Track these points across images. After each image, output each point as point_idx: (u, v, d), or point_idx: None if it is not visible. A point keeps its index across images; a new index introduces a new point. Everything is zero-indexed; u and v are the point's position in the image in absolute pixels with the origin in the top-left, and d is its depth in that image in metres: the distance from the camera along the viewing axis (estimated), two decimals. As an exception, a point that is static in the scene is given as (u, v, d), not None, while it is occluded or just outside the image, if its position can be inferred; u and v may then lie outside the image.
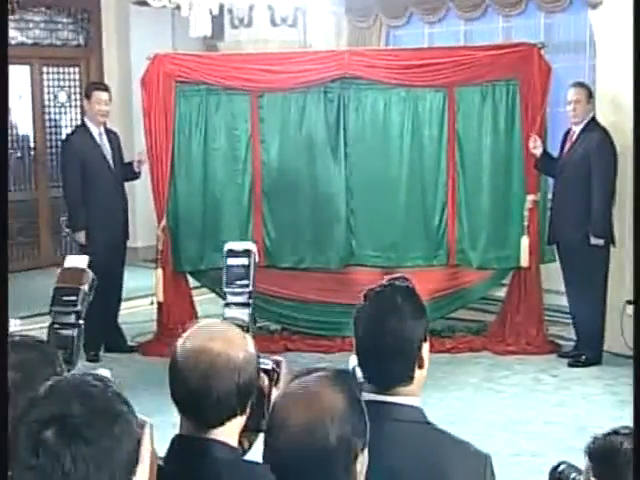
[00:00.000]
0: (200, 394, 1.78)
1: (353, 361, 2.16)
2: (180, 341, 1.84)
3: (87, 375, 1.27)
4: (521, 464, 4.63)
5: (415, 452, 1.96)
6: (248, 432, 1.94)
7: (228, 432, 1.83)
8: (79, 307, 2.06)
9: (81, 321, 2.08)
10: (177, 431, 1.77)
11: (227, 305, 2.52)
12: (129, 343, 6.76)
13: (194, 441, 1.82)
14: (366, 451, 1.67)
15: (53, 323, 2.10)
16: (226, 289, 2.56)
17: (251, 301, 2.51)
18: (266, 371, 1.97)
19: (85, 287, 2.07)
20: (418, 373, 2.00)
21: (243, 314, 2.39)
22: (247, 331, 2.20)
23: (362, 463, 1.66)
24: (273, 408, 1.67)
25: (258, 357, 1.90)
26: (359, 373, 2.11)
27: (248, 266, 2.58)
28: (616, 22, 6.30)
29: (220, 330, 1.87)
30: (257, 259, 2.68)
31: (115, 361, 6.28)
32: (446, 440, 2.00)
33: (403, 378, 1.98)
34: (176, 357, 1.82)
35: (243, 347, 1.84)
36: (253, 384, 1.85)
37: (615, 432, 2.04)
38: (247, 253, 2.62)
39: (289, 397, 1.63)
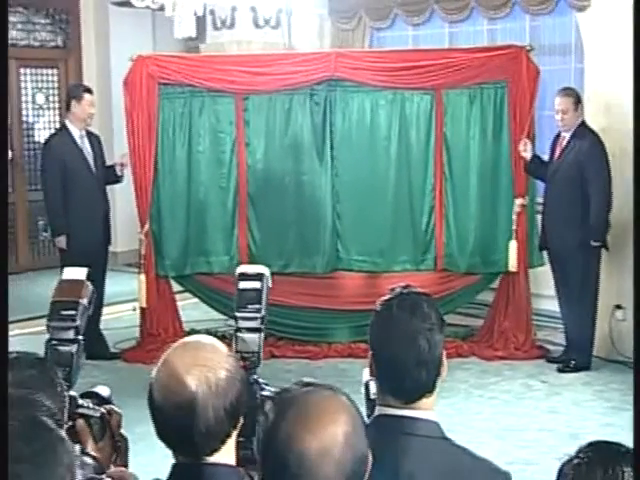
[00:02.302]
0: (187, 431, 1.66)
1: (366, 375, 2.07)
2: (155, 373, 1.71)
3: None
4: (515, 473, 4.53)
5: (434, 469, 1.88)
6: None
7: (226, 452, 1.74)
8: (78, 322, 1.94)
9: (80, 337, 1.96)
10: (160, 442, 1.67)
11: (238, 330, 2.41)
12: (111, 350, 6.62)
13: (196, 468, 1.71)
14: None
15: (51, 339, 1.98)
16: (237, 313, 2.45)
17: (263, 326, 2.39)
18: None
19: (84, 301, 1.95)
20: (438, 381, 1.93)
21: (254, 340, 2.28)
22: (258, 359, 2.09)
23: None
24: (271, 430, 1.47)
25: (246, 369, 1.80)
26: (373, 388, 2.02)
27: (260, 290, 2.48)
28: (604, 24, 6.27)
29: (195, 353, 1.72)
30: (270, 284, 2.57)
31: (97, 368, 6.14)
32: (465, 457, 1.93)
33: (430, 387, 1.91)
34: (153, 394, 1.70)
35: (223, 366, 1.71)
36: (241, 400, 1.73)
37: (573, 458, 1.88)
38: (259, 277, 2.52)
39: (292, 419, 1.43)
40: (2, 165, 2.45)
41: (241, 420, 1.76)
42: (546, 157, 6.25)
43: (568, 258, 5.99)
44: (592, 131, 6.00)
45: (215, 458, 1.71)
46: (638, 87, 3.27)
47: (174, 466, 1.75)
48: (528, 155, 6.15)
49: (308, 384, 1.49)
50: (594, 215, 5.86)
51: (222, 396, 1.68)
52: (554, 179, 6.07)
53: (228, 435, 1.72)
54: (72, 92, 6.61)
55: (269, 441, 1.43)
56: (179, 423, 1.66)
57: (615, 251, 6.25)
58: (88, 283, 2.05)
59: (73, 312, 1.94)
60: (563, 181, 5.99)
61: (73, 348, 1.94)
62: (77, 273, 2.03)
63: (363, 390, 2.14)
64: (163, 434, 1.71)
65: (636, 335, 3.36)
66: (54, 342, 1.97)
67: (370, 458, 1.48)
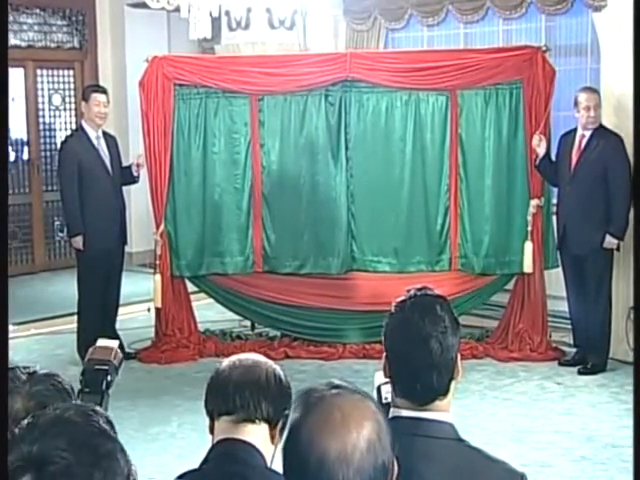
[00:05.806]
0: (245, 385, 2.00)
1: (379, 378, 2.07)
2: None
3: (71, 408, 1.17)
4: (530, 475, 4.50)
5: (449, 471, 1.87)
6: None
7: (261, 437, 1.97)
8: (109, 377, 2.04)
9: (110, 391, 2.04)
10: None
11: None
12: (126, 350, 6.63)
13: (229, 442, 1.98)
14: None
15: (81, 390, 2.04)
16: None
17: None
18: None
19: (115, 362, 2.07)
20: (453, 385, 1.92)
21: None
22: None
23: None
24: (295, 428, 1.43)
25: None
26: (385, 392, 2.02)
27: None
28: (621, 24, 6.24)
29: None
30: None
31: (112, 368, 6.17)
32: (480, 458, 1.92)
33: (442, 390, 1.89)
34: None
35: (275, 368, 2.09)
36: (282, 400, 1.99)
37: None
38: None
39: (316, 420, 1.40)
40: (2, 165, 2.46)
41: (281, 424, 1.99)
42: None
43: (588, 259, 5.97)
44: (612, 131, 6.02)
45: (250, 435, 1.97)
46: (638, 87, 3.25)
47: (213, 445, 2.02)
48: (541, 151, 6.12)
49: (337, 386, 1.45)
50: (618, 212, 5.85)
51: (274, 377, 2.03)
52: (575, 179, 6.04)
53: (261, 417, 1.97)
54: (83, 93, 6.69)
55: (292, 439, 1.42)
56: (238, 378, 2.01)
57: (632, 253, 6.23)
58: (119, 350, 2.15)
59: (106, 367, 2.05)
60: (586, 181, 5.96)
61: (103, 396, 2.02)
62: (109, 343, 2.18)
63: (375, 394, 2.13)
64: (218, 393, 2.01)
65: (636, 335, 3.34)
66: (86, 390, 2.04)
67: (395, 470, 1.45)
